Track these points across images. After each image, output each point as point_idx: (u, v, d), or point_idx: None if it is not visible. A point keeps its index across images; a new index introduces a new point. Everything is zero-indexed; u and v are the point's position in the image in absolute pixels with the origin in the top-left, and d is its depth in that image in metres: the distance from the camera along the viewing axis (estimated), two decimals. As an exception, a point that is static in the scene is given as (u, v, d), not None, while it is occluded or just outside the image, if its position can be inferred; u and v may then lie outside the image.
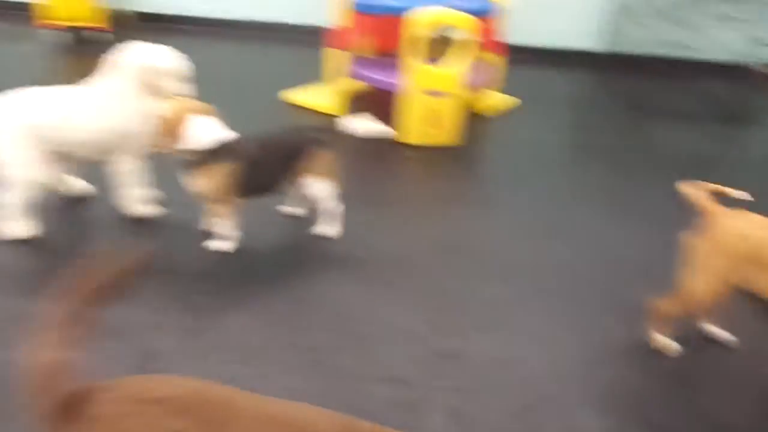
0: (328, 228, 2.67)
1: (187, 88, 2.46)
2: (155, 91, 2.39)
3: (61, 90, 2.35)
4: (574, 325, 2.30)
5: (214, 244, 2.54)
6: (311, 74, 4.39)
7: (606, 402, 1.96)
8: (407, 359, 2.07)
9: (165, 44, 2.43)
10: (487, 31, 3.82)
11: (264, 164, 2.42)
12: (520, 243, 2.79)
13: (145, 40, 2.43)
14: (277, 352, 2.01)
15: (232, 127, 2.41)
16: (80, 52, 4.75)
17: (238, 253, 2.52)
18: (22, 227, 2.41)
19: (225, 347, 2.02)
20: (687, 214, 2.38)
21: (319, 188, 2.55)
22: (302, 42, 5.28)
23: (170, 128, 2.29)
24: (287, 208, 2.81)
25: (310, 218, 2.72)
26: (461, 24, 3.46)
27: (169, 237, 2.61)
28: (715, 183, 2.04)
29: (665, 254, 2.79)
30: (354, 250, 2.61)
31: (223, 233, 2.52)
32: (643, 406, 1.95)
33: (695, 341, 2.22)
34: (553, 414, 1.91)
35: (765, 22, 4.43)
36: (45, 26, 4.86)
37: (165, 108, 2.26)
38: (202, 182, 2.37)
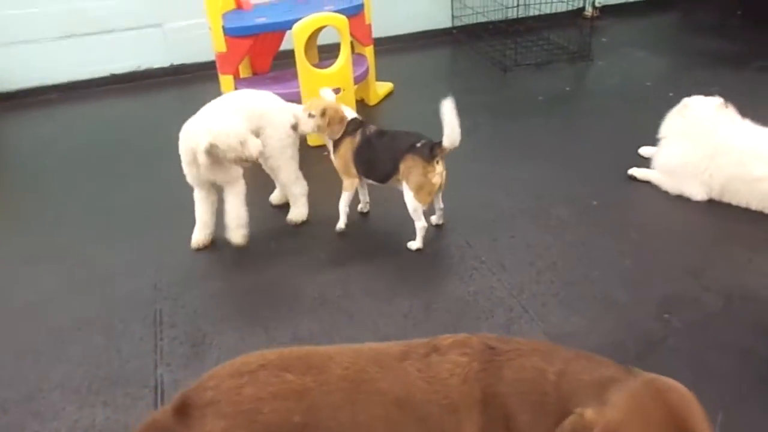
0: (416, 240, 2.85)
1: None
2: None
3: None
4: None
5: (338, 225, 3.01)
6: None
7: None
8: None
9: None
10: (357, 27, 4.13)
11: (375, 148, 2.79)
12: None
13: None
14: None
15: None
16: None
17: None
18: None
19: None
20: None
21: (407, 196, 2.72)
22: (184, 81, 5.26)
23: (335, 117, 2.87)
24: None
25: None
26: (336, 24, 3.75)
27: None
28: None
29: (547, 175, 3.42)
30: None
31: (340, 210, 2.98)
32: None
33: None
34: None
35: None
36: None
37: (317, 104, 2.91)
38: (336, 156, 2.91)
